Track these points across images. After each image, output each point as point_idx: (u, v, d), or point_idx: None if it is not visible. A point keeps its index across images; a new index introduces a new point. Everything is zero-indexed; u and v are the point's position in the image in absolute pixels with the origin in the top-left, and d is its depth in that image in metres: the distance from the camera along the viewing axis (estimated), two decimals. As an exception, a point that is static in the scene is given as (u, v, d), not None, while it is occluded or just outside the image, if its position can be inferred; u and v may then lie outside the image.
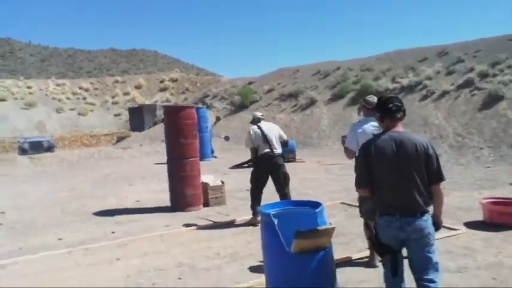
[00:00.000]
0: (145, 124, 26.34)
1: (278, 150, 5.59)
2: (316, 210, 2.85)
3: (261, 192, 5.70)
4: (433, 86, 15.03)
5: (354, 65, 21.32)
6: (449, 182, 7.68)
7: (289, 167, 5.80)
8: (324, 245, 2.73)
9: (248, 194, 5.92)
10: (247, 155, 6.70)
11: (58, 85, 36.97)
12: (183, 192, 6.84)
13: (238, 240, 5.10)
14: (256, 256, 4.17)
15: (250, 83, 25.86)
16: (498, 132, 10.97)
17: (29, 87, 34.69)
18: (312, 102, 18.90)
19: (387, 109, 2.65)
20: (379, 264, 3.29)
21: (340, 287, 3.04)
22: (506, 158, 9.69)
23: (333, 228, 2.74)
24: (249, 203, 5.80)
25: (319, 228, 2.71)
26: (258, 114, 5.97)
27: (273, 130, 5.67)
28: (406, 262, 2.64)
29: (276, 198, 5.49)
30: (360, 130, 3.81)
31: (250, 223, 5.68)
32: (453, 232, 4.80)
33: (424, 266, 2.56)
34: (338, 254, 3.65)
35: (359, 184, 2.73)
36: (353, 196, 6.61)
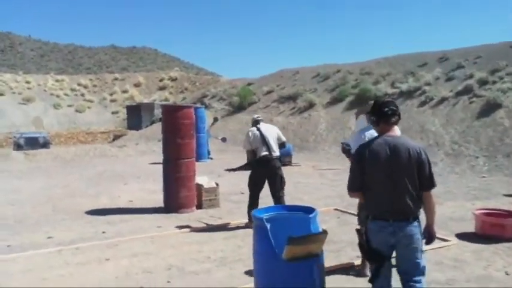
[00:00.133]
0: (142, 123, 26.26)
1: (276, 153, 5.57)
2: (310, 216, 2.83)
3: (258, 197, 5.68)
4: (432, 92, 15.00)
5: (354, 69, 21.31)
6: (444, 191, 7.68)
7: (284, 171, 5.77)
8: (315, 252, 2.71)
9: (242, 197, 5.91)
10: (243, 157, 6.66)
11: (57, 81, 36.88)
12: (177, 193, 6.79)
13: (229, 244, 5.07)
14: (246, 262, 4.14)
15: (249, 84, 25.81)
16: (494, 141, 10.97)
17: (27, 82, 34.61)
18: (311, 105, 18.88)
19: (383, 113, 2.66)
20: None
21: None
22: (502, 168, 9.67)
23: (326, 235, 2.72)
24: (243, 206, 5.78)
25: (312, 234, 2.70)
26: (255, 116, 5.98)
27: (271, 132, 5.66)
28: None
29: (270, 201, 5.48)
30: (366, 136, 3.68)
31: (248, 227, 5.63)
32: (444, 243, 4.79)
33: (412, 271, 2.61)
34: (328, 262, 3.62)
35: (351, 187, 2.73)
36: (347, 202, 6.60)
